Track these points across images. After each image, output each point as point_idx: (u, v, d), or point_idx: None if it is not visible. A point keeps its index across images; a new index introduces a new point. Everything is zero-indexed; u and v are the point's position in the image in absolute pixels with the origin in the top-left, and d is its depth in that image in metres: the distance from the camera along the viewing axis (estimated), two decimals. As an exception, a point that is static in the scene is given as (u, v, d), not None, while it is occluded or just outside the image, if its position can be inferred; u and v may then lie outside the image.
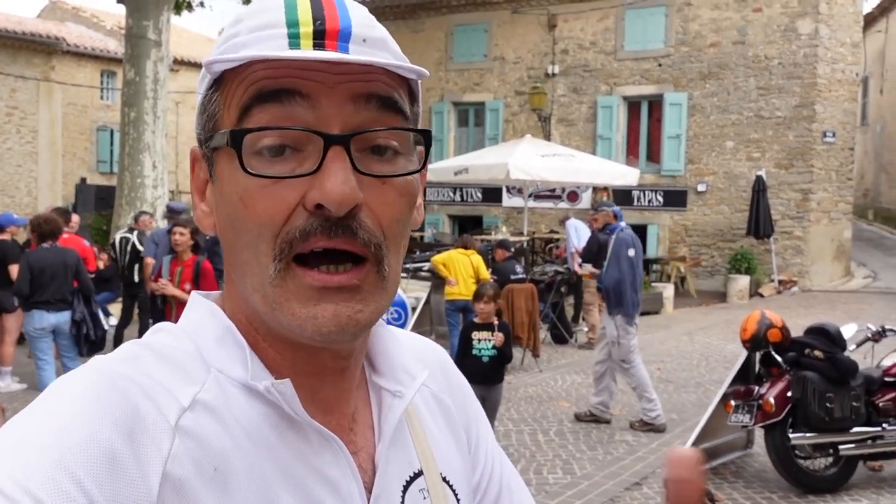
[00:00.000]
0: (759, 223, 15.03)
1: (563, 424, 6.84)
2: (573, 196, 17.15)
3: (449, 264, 8.53)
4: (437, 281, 10.08)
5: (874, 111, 26.11)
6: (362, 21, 0.66)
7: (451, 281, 8.53)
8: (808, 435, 5.15)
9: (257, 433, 0.65)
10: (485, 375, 5.20)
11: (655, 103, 17.05)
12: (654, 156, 17.17)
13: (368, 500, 0.70)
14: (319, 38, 0.64)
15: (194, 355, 0.67)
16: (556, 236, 15.12)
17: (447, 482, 0.79)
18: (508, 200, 17.87)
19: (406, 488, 0.74)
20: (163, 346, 0.67)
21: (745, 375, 5.59)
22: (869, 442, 5.26)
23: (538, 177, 12.40)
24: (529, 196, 14.70)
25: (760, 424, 5.20)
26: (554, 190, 16.64)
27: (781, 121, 15.75)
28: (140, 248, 8.74)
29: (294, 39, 0.64)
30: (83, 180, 21.48)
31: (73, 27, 25.21)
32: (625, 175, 13.63)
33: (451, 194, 19.13)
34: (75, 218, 10.28)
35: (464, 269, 8.53)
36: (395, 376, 0.76)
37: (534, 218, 16.61)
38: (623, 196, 16.65)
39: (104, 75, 24.40)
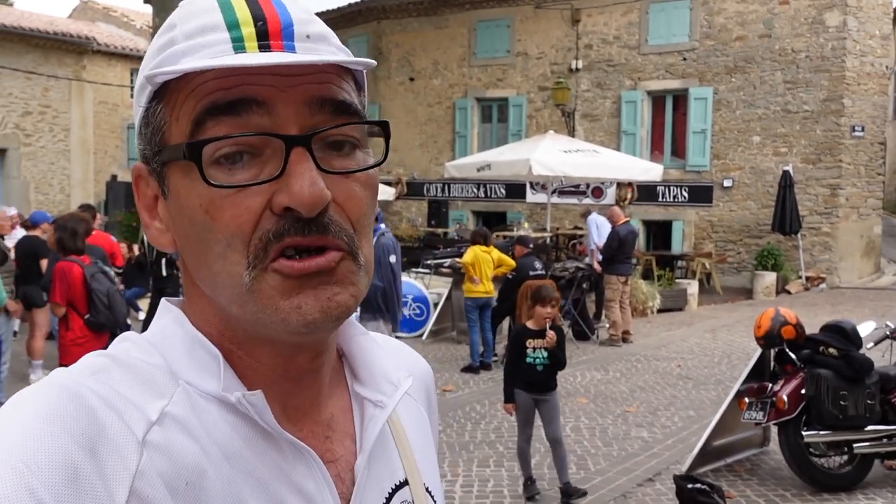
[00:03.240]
0: (787, 219, 14.85)
1: (579, 420, 6.86)
2: (598, 192, 17.10)
3: (475, 264, 8.60)
4: (458, 277, 10.14)
5: (907, 104, 25.59)
6: (301, 17, 0.65)
7: (476, 280, 8.59)
8: (821, 433, 5.13)
9: (229, 446, 0.64)
10: (538, 384, 4.94)
11: (680, 98, 16.91)
12: (679, 151, 17.04)
13: None
14: (264, 39, 0.62)
15: (161, 367, 0.65)
16: (579, 232, 15.09)
17: (430, 493, 0.79)
18: (532, 196, 17.87)
19: (389, 499, 0.73)
20: (128, 357, 0.65)
21: (759, 373, 5.58)
22: (885, 440, 5.22)
23: (561, 173, 12.38)
24: (553, 192, 14.68)
25: (774, 422, 5.19)
26: (578, 186, 16.61)
27: (809, 115, 15.54)
28: None
29: (238, 43, 0.62)
30: (114, 177, 21.87)
31: (103, 27, 25.64)
32: (649, 170, 13.56)
33: (475, 190, 19.16)
34: (98, 216, 10.52)
35: (487, 267, 8.61)
36: (376, 386, 0.75)
37: (557, 214, 16.58)
38: (648, 192, 16.58)
39: (134, 73, 24.74)
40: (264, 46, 0.62)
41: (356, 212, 0.66)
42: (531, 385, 4.95)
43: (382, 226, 6.74)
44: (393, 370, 0.77)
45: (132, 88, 24.74)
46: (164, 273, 8.79)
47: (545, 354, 4.91)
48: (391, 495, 0.73)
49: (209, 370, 0.66)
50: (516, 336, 5.18)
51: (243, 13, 0.63)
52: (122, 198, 18.71)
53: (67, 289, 5.56)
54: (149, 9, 14.06)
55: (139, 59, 24.18)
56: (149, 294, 10.26)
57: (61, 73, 22.05)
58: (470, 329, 8.78)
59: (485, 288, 8.65)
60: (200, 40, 0.63)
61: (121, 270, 8.63)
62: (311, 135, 0.62)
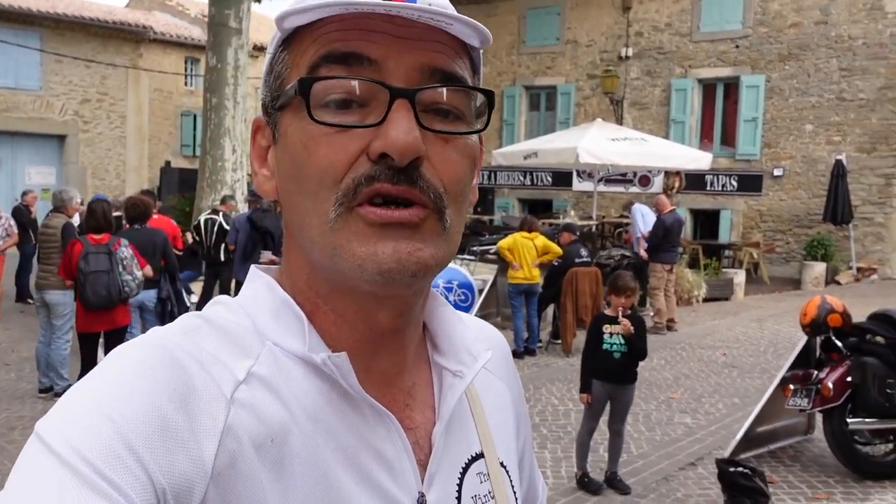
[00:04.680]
0: (838, 209, 14.59)
1: (622, 405, 6.93)
2: (645, 180, 16.98)
3: (514, 249, 8.67)
4: (504, 264, 10.24)
5: (970, 92, 24.78)
6: None
7: (515, 265, 8.67)
8: (867, 420, 5.14)
9: (312, 407, 0.65)
10: (615, 373, 4.87)
11: (731, 86, 16.69)
12: (728, 139, 16.84)
13: (423, 477, 0.70)
14: None
15: (249, 328, 0.68)
16: (625, 220, 15.05)
17: (505, 468, 0.79)
18: (579, 184, 17.82)
19: (465, 470, 0.74)
20: (219, 318, 0.68)
21: (805, 360, 5.58)
22: (931, 430, 5.21)
23: (608, 161, 12.36)
24: (600, 180, 14.66)
25: (818, 409, 5.21)
26: (625, 174, 16.52)
27: (865, 103, 15.21)
28: (227, 227, 9.23)
29: None
30: (167, 163, 22.43)
31: (159, 16, 26.21)
32: (697, 159, 13.45)
33: (521, 178, 19.20)
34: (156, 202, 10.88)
35: (528, 252, 8.64)
36: (456, 356, 0.75)
37: (603, 202, 16.54)
38: (696, 180, 16.42)
39: (188, 62, 25.30)
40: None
41: (450, 175, 0.66)
42: (609, 374, 4.89)
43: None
44: (473, 342, 0.77)
45: (186, 76, 25.24)
46: (223, 258, 9.07)
47: (622, 341, 4.88)
48: (467, 466, 0.75)
49: (295, 331, 0.67)
50: (594, 322, 5.15)
51: None
52: (176, 183, 19.15)
53: (68, 264, 6.09)
54: (204, -2, 14.35)
55: (194, 47, 24.69)
56: (201, 278, 10.59)
57: (119, 62, 22.67)
58: (513, 315, 8.89)
59: (525, 274, 8.68)
60: None
61: (181, 253, 8.93)
62: (416, 89, 0.64)
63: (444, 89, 0.66)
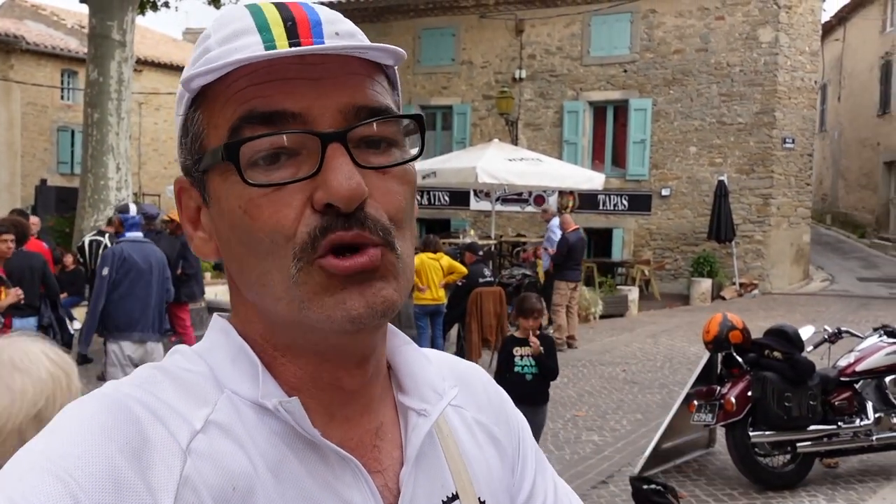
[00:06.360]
0: (721, 227, 15.35)
1: (530, 425, 6.93)
2: (540, 199, 17.28)
3: (420, 270, 8.59)
4: (406, 284, 10.14)
5: (832, 118, 26.78)
6: (329, 17, 0.66)
7: (423, 287, 8.60)
8: (767, 433, 5.31)
9: (274, 454, 0.63)
10: (528, 395, 4.80)
11: (621, 108, 17.31)
12: (619, 160, 17.43)
13: None
14: (294, 37, 0.64)
15: (207, 376, 0.66)
16: (522, 240, 15.28)
17: None
18: (476, 204, 17.98)
19: None
20: (175, 368, 0.67)
21: (707, 376, 5.74)
22: (825, 440, 5.44)
23: (506, 181, 12.54)
24: (497, 200, 14.83)
25: (722, 423, 5.34)
26: (521, 194, 16.79)
27: (743, 127, 16.10)
28: None
29: (269, 43, 0.63)
30: (43, 181, 21.11)
31: (32, 25, 24.78)
32: (591, 179, 13.82)
33: (419, 197, 18.95)
34: (34, 219, 10.15)
35: (435, 273, 8.60)
36: (420, 395, 0.74)
37: (500, 221, 16.74)
38: (589, 200, 16.87)
39: (65, 74, 24.03)
40: (294, 44, 0.63)
41: (393, 206, 0.66)
42: (521, 397, 4.84)
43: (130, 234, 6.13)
44: (438, 380, 0.75)
45: (63, 89, 23.95)
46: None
47: (532, 363, 4.89)
48: None
49: (250, 377, 0.66)
50: (504, 346, 5.14)
51: (273, 16, 0.65)
52: (53, 202, 18.04)
53: None
54: (82, 7, 13.62)
55: (70, 59, 23.47)
56: (84, 303, 9.95)
57: (-12, 73, 21.24)
58: (419, 336, 8.78)
59: (433, 295, 8.66)
60: (234, 45, 0.64)
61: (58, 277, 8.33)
62: (346, 130, 0.63)
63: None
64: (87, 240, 9.17)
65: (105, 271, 5.80)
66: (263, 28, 0.64)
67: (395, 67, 0.71)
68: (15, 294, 5.65)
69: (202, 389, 0.65)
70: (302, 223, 0.62)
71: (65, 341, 6.52)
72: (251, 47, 0.63)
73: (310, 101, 0.63)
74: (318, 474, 0.64)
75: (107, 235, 9.11)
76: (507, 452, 0.82)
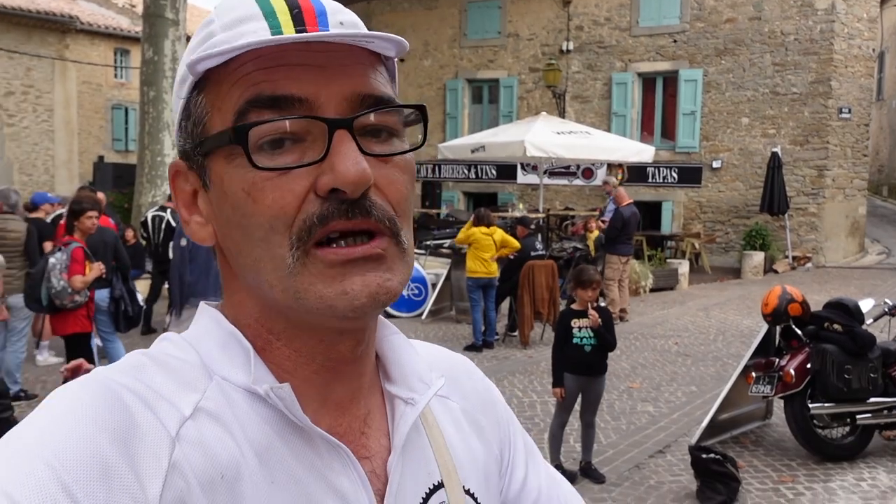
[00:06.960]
0: (774, 199, 15.11)
1: (585, 396, 7.02)
2: (588, 173, 17.25)
3: (475, 244, 8.69)
4: (458, 257, 10.25)
5: (890, 87, 25.99)
6: (333, 6, 0.67)
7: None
8: (826, 405, 5.32)
9: (263, 440, 0.64)
10: (586, 365, 4.95)
11: (670, 80, 17.06)
12: (668, 132, 17.22)
13: None
14: (300, 24, 0.64)
15: (196, 363, 0.66)
16: (571, 213, 15.26)
17: (471, 495, 0.78)
18: (523, 177, 17.99)
19: (426, 499, 0.73)
20: (164, 355, 0.67)
21: (765, 348, 5.75)
22: (885, 412, 5.43)
23: (554, 154, 12.50)
24: (544, 173, 14.81)
25: (780, 395, 5.37)
26: (568, 167, 16.74)
27: (797, 97, 15.76)
28: (174, 225, 8.95)
29: (275, 29, 0.64)
30: (101, 158, 21.67)
31: (84, 5, 25.28)
32: (640, 152, 13.70)
33: (466, 171, 19.24)
34: (100, 195, 10.49)
35: (487, 248, 8.70)
36: (407, 384, 0.74)
37: (548, 195, 16.72)
38: (638, 173, 16.75)
39: (117, 53, 24.50)
40: (301, 31, 0.64)
41: (396, 195, 0.66)
42: (580, 367, 4.95)
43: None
44: (425, 370, 0.76)
45: (116, 68, 24.42)
46: (170, 256, 8.79)
47: (591, 334, 4.95)
48: (428, 496, 0.73)
49: (241, 363, 0.66)
50: (562, 318, 5.20)
51: (279, 3, 0.65)
52: (111, 178, 18.54)
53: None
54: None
55: (122, 37, 23.91)
56: (146, 275, 10.29)
57: (44, 53, 21.79)
58: (472, 308, 8.90)
59: (486, 268, 8.76)
60: (239, 29, 0.64)
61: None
62: (353, 117, 0.63)
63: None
64: (149, 215, 9.45)
65: (184, 241, 6.00)
66: (270, 14, 0.65)
67: (395, 60, 0.72)
68: (98, 268, 5.89)
69: (191, 376, 0.65)
70: (303, 209, 0.63)
71: (135, 312, 6.80)
72: (258, 32, 0.64)
73: (316, 87, 0.63)
74: (307, 460, 0.65)
75: (168, 211, 9.39)
76: (493, 442, 0.83)
